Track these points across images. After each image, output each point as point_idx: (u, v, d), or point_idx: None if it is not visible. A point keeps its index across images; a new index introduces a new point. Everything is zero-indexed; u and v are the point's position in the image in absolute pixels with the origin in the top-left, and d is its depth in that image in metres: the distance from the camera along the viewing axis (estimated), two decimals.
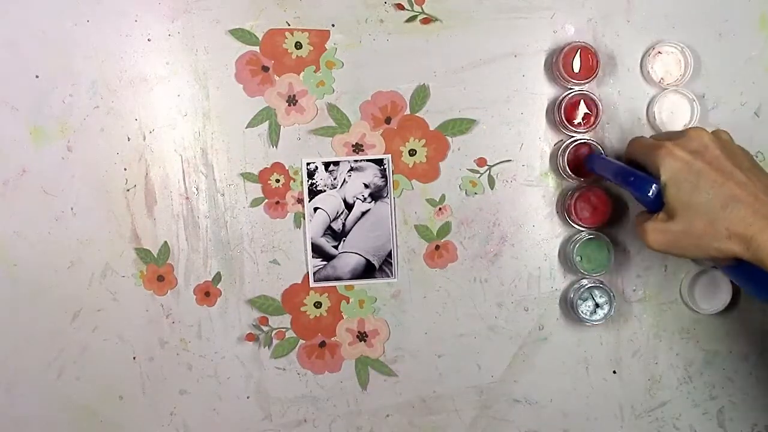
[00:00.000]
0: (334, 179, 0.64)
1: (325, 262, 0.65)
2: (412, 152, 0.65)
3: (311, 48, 0.64)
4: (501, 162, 0.65)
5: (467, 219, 0.65)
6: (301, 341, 0.66)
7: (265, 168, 0.64)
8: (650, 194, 0.53)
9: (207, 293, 0.65)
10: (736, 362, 0.67)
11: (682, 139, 0.53)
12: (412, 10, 0.64)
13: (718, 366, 0.67)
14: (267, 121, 0.64)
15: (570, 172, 0.63)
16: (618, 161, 0.60)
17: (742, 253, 0.50)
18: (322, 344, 0.66)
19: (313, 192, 0.65)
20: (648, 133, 0.64)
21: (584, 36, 0.64)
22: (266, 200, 0.65)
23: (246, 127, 0.64)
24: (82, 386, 0.65)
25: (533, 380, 0.66)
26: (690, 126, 0.63)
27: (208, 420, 0.66)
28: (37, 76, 0.63)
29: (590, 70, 0.62)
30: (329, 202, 0.65)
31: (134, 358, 0.65)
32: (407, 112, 0.64)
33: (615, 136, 0.65)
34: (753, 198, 0.50)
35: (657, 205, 0.54)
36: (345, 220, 0.65)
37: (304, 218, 0.65)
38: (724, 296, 0.65)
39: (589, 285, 0.64)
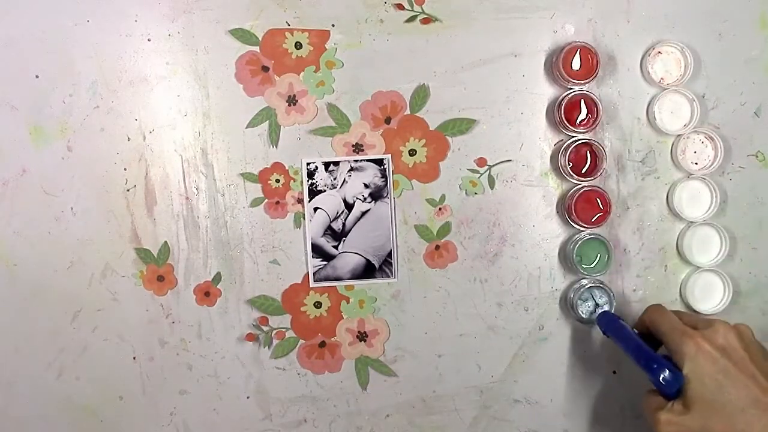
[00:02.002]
0: (334, 179, 0.64)
1: (325, 262, 0.65)
2: (412, 152, 0.65)
3: (311, 48, 0.64)
4: (501, 162, 0.65)
5: (467, 219, 0.65)
6: (301, 341, 0.66)
7: (265, 168, 0.64)
8: (674, 388, 0.52)
9: (207, 293, 0.65)
10: None
11: (708, 331, 0.53)
12: (412, 10, 0.64)
13: None
14: (267, 121, 0.64)
15: (570, 172, 0.63)
16: (633, 332, 0.58)
17: None
18: (322, 344, 0.66)
19: (313, 192, 0.65)
20: (648, 132, 0.64)
21: (584, 36, 0.64)
22: (266, 200, 0.65)
23: (246, 127, 0.64)
24: (82, 386, 0.65)
25: (533, 380, 0.66)
26: (691, 125, 0.63)
27: (208, 420, 0.66)
28: (37, 76, 0.63)
29: (590, 70, 0.62)
30: (329, 202, 0.65)
31: (134, 358, 0.65)
32: (407, 112, 0.64)
33: (615, 136, 0.65)
34: None
35: (672, 395, 0.53)
36: (345, 220, 0.65)
37: (304, 218, 0.65)
38: (724, 296, 0.65)
39: (589, 285, 0.64)
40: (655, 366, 0.53)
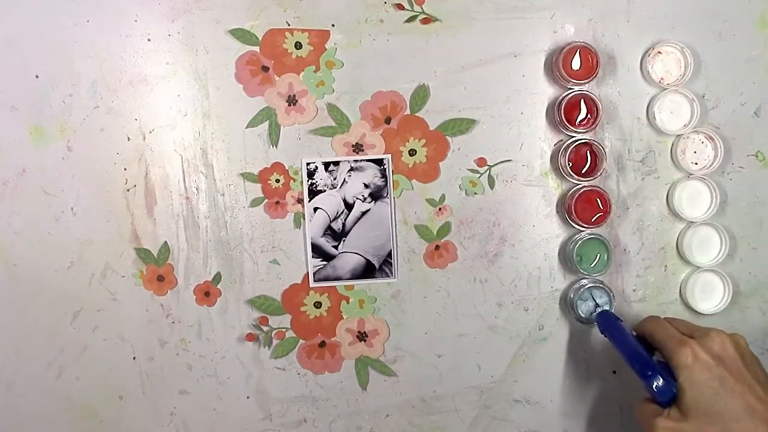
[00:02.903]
0: (334, 179, 0.64)
1: (325, 262, 0.65)
2: (412, 152, 0.65)
3: (311, 48, 0.64)
4: (501, 162, 0.65)
5: (467, 219, 0.65)
6: (301, 341, 0.66)
7: (265, 168, 0.64)
8: (668, 396, 0.52)
9: (207, 293, 0.65)
10: None
11: (704, 339, 0.53)
12: (412, 10, 0.64)
13: None
14: (267, 121, 0.64)
15: (570, 172, 0.63)
16: (632, 336, 0.58)
17: None
18: (322, 344, 0.66)
19: (313, 192, 0.65)
20: (648, 132, 0.64)
21: (584, 36, 0.64)
22: (266, 200, 0.65)
23: (246, 127, 0.64)
24: (82, 386, 0.65)
25: (533, 380, 0.66)
26: (691, 125, 0.63)
27: (208, 420, 0.66)
28: (37, 76, 0.63)
29: (590, 70, 0.62)
30: (329, 202, 0.65)
31: (134, 358, 0.65)
32: (407, 112, 0.64)
33: (615, 136, 0.65)
34: None
35: (666, 403, 0.53)
36: (345, 220, 0.65)
37: (304, 218, 0.65)
38: (724, 296, 0.65)
39: (589, 285, 0.64)
40: (650, 373, 0.53)
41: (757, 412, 0.50)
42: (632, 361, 0.56)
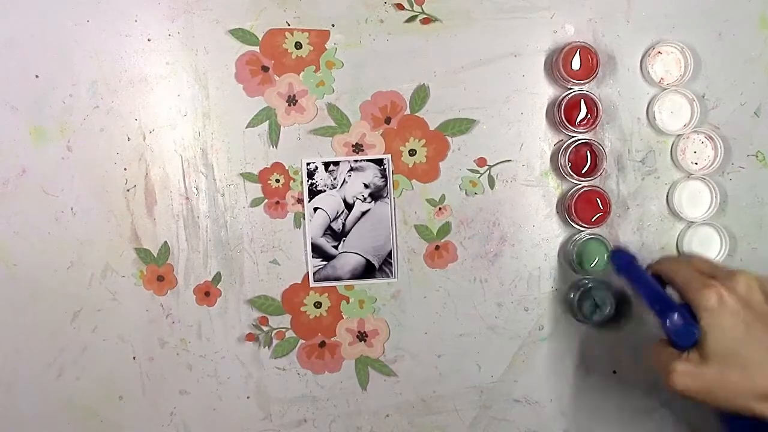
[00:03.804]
0: (334, 179, 0.64)
1: (325, 262, 0.65)
2: (412, 152, 0.65)
3: (311, 48, 0.64)
4: (501, 162, 0.65)
5: (467, 219, 0.65)
6: (301, 341, 0.66)
7: (265, 168, 0.64)
8: (691, 340, 0.50)
9: (207, 293, 0.65)
10: None
11: (730, 281, 0.51)
12: (412, 10, 0.64)
13: None
14: (267, 121, 0.64)
15: (570, 172, 0.63)
16: (649, 276, 0.56)
17: None
18: (322, 344, 0.66)
19: (313, 192, 0.65)
20: (648, 132, 0.64)
21: (584, 36, 0.64)
22: (266, 200, 0.65)
23: (246, 127, 0.64)
24: (82, 386, 0.65)
25: (533, 380, 0.66)
26: (691, 125, 0.63)
27: (208, 420, 0.66)
28: (37, 76, 0.63)
29: (590, 70, 0.62)
30: (329, 202, 0.65)
31: (134, 358, 0.65)
32: (407, 112, 0.64)
33: (615, 136, 0.65)
34: None
35: (688, 345, 0.51)
36: (345, 220, 0.65)
37: (304, 218, 0.65)
38: None
39: (589, 285, 0.64)
40: (672, 314, 0.51)
41: None
42: (652, 302, 0.53)
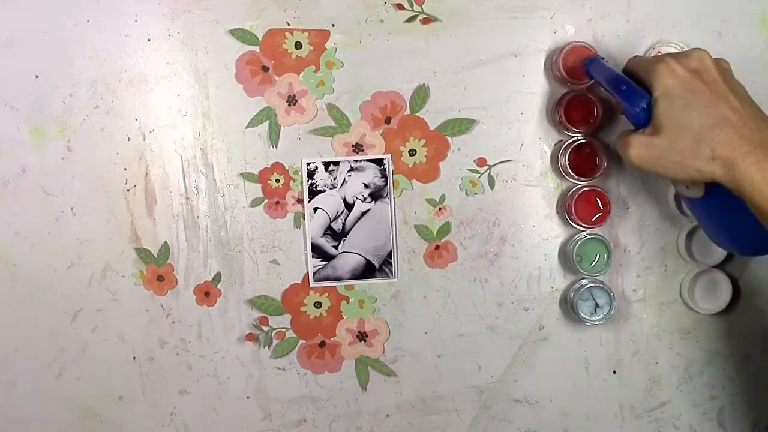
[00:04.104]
0: (334, 179, 0.64)
1: (325, 262, 0.65)
2: (412, 152, 0.65)
3: (311, 48, 0.64)
4: (501, 162, 0.65)
5: (467, 219, 0.65)
6: (301, 341, 0.66)
7: (265, 168, 0.64)
8: (641, 106, 0.53)
9: (207, 293, 0.65)
10: (736, 362, 0.67)
11: (683, 57, 0.53)
12: (412, 10, 0.64)
13: (718, 366, 0.67)
14: (267, 121, 0.64)
15: (570, 172, 0.63)
16: (614, 70, 0.58)
17: (722, 177, 0.49)
18: (322, 344, 0.66)
19: (313, 192, 0.65)
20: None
21: (584, 36, 0.64)
22: (266, 200, 0.65)
23: (246, 127, 0.64)
24: (82, 386, 0.65)
25: (533, 380, 0.66)
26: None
27: (208, 420, 0.66)
28: (37, 76, 0.63)
29: None
30: (329, 202, 0.65)
31: (134, 358, 0.65)
32: (407, 112, 0.64)
33: (615, 137, 0.64)
34: (742, 123, 0.50)
35: (644, 122, 0.53)
36: (345, 220, 0.65)
37: (304, 218, 0.65)
38: (724, 296, 0.65)
39: (589, 285, 0.64)
40: (624, 87, 0.54)
41: (730, 120, 0.50)
42: (608, 84, 0.56)
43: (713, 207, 0.55)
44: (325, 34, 0.64)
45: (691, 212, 0.59)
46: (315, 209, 0.65)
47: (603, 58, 0.61)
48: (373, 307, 0.66)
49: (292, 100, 0.64)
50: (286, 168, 0.64)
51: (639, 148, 0.53)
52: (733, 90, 0.52)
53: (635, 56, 0.59)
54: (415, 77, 0.64)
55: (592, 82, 0.62)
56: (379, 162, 0.64)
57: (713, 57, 0.53)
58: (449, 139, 0.65)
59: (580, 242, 0.63)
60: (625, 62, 0.59)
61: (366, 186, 0.65)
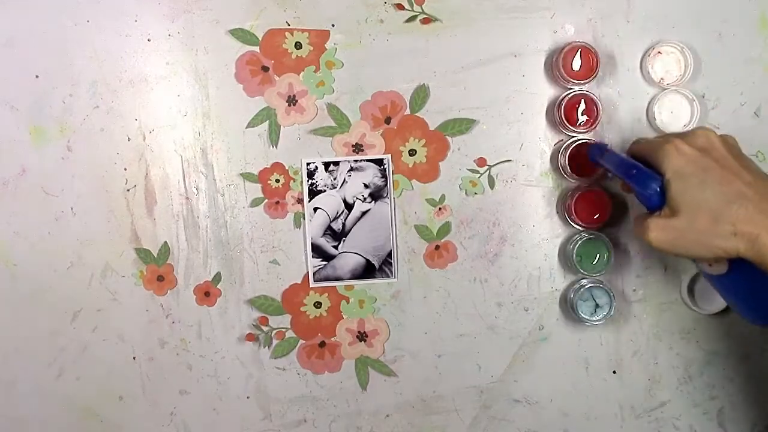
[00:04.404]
0: (334, 179, 0.64)
1: (325, 262, 0.65)
2: (412, 152, 0.65)
3: (311, 48, 0.64)
4: (501, 162, 0.65)
5: (467, 219, 0.65)
6: (301, 341, 0.66)
7: (265, 168, 0.64)
8: (653, 190, 0.53)
9: (207, 293, 0.65)
10: (736, 362, 0.67)
11: (689, 136, 0.53)
12: (412, 10, 0.64)
13: (718, 366, 0.67)
14: (267, 121, 0.64)
15: (570, 172, 0.63)
16: (622, 155, 0.59)
17: (746, 252, 0.49)
18: (322, 344, 0.66)
19: (313, 192, 0.65)
20: (648, 133, 0.64)
21: (584, 36, 0.64)
22: (266, 200, 0.65)
23: (246, 127, 0.64)
24: (82, 386, 0.65)
25: (533, 380, 0.66)
26: (691, 125, 0.63)
27: (208, 420, 0.66)
28: (37, 76, 0.63)
29: (590, 70, 0.62)
30: (329, 202, 0.65)
31: (134, 358, 0.65)
32: (407, 112, 0.64)
33: (615, 136, 0.65)
34: (759, 197, 0.49)
35: (658, 204, 0.53)
36: (345, 220, 0.65)
37: (304, 218, 0.65)
38: None
39: (589, 285, 0.64)
40: (634, 172, 0.54)
41: (747, 195, 0.49)
42: (618, 169, 0.56)
43: (738, 282, 0.54)
44: (325, 34, 0.64)
45: (717, 289, 0.58)
46: (315, 209, 0.65)
47: (607, 145, 0.62)
48: (373, 307, 0.66)
49: (292, 100, 0.64)
50: (286, 168, 0.64)
51: (657, 230, 0.52)
52: (744, 165, 0.51)
53: (637, 140, 0.59)
54: (415, 77, 0.64)
55: (593, 78, 0.62)
56: (379, 162, 0.64)
57: (717, 134, 0.53)
58: (449, 139, 0.65)
59: (580, 242, 0.63)
60: (629, 145, 0.59)
61: (366, 186, 0.65)
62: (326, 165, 0.64)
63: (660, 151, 0.53)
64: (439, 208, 0.65)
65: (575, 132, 0.63)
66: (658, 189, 0.53)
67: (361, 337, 0.66)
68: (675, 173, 0.52)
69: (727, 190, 0.50)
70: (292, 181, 0.65)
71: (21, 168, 0.63)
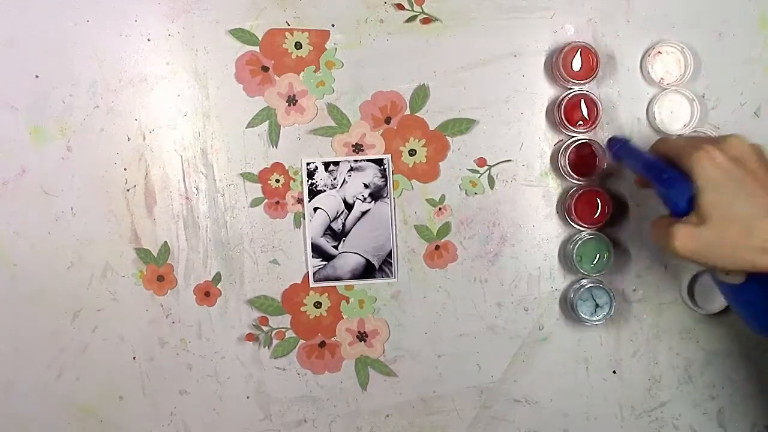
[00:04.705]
0: (334, 179, 0.64)
1: (325, 262, 0.65)
2: (412, 152, 0.65)
3: (311, 48, 0.64)
4: (501, 162, 0.65)
5: (467, 219, 0.65)
6: (301, 341, 0.66)
7: (265, 168, 0.64)
8: (687, 197, 0.51)
9: (207, 293, 0.65)
10: (736, 362, 0.67)
11: (721, 144, 0.51)
12: (412, 10, 0.64)
13: (718, 366, 0.67)
14: (267, 121, 0.64)
15: (570, 172, 0.63)
16: (645, 153, 0.56)
17: None
18: (322, 344, 0.66)
19: (313, 192, 0.65)
20: (649, 133, 0.64)
21: (584, 36, 0.64)
22: (266, 200, 0.65)
23: (246, 127, 0.64)
24: (82, 386, 0.65)
25: (533, 380, 0.66)
26: (691, 125, 0.63)
27: (208, 420, 0.66)
28: (37, 76, 0.63)
29: (590, 70, 0.62)
30: (329, 202, 0.65)
31: (134, 358, 0.65)
32: (407, 112, 0.64)
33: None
34: None
35: (686, 210, 0.51)
36: (345, 220, 0.65)
37: (304, 218, 0.65)
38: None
39: (589, 285, 0.64)
40: (666, 176, 0.52)
41: None
42: (646, 171, 0.54)
43: (754, 293, 0.53)
44: (325, 34, 0.64)
45: (727, 298, 0.57)
46: (315, 209, 0.65)
47: (629, 141, 0.60)
48: (373, 307, 0.66)
49: (292, 100, 0.64)
50: (286, 168, 0.64)
51: (684, 239, 0.50)
52: None
53: (663, 138, 0.57)
54: (415, 77, 0.64)
55: (593, 78, 0.62)
56: (379, 162, 0.64)
57: (749, 142, 0.52)
58: (449, 139, 0.65)
59: (580, 242, 0.63)
60: (653, 142, 0.57)
61: (366, 186, 0.65)
62: (326, 165, 0.64)
63: (693, 157, 0.51)
64: (439, 208, 0.65)
65: (575, 132, 0.63)
66: (691, 196, 0.51)
67: (361, 337, 0.66)
68: (708, 183, 0.50)
69: (758, 203, 0.49)
70: (292, 181, 0.65)
71: (21, 168, 0.63)
